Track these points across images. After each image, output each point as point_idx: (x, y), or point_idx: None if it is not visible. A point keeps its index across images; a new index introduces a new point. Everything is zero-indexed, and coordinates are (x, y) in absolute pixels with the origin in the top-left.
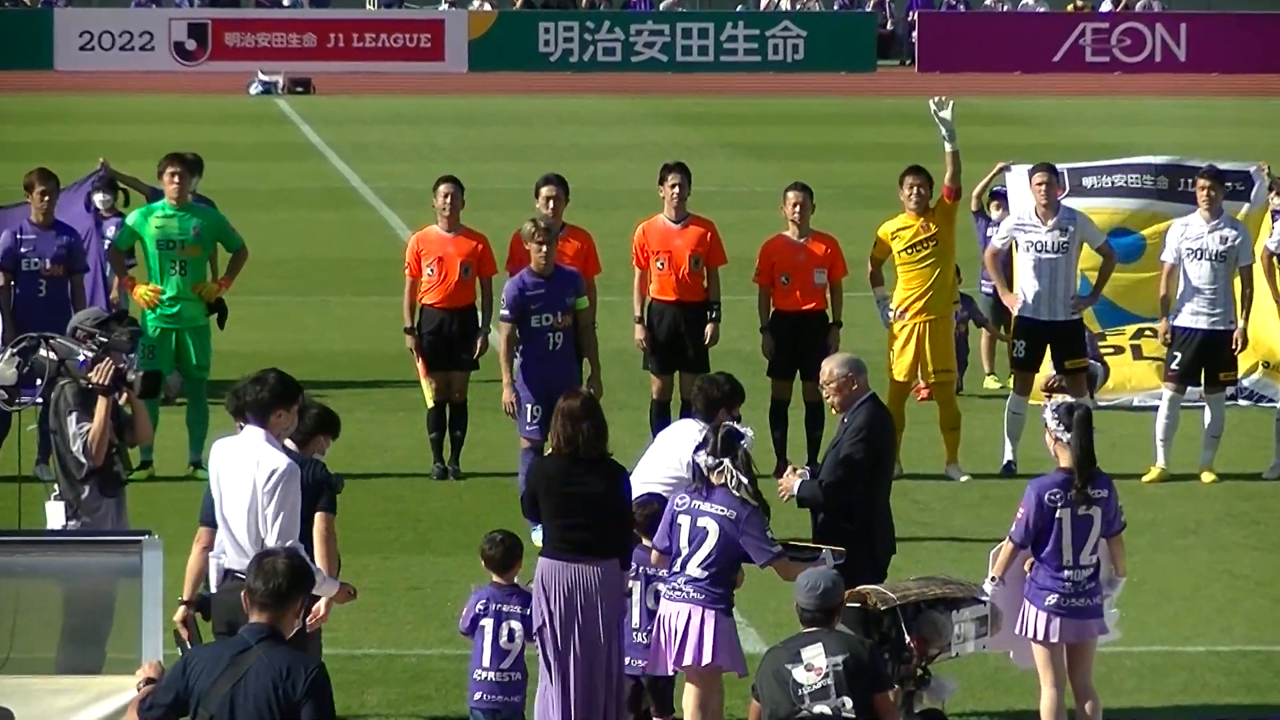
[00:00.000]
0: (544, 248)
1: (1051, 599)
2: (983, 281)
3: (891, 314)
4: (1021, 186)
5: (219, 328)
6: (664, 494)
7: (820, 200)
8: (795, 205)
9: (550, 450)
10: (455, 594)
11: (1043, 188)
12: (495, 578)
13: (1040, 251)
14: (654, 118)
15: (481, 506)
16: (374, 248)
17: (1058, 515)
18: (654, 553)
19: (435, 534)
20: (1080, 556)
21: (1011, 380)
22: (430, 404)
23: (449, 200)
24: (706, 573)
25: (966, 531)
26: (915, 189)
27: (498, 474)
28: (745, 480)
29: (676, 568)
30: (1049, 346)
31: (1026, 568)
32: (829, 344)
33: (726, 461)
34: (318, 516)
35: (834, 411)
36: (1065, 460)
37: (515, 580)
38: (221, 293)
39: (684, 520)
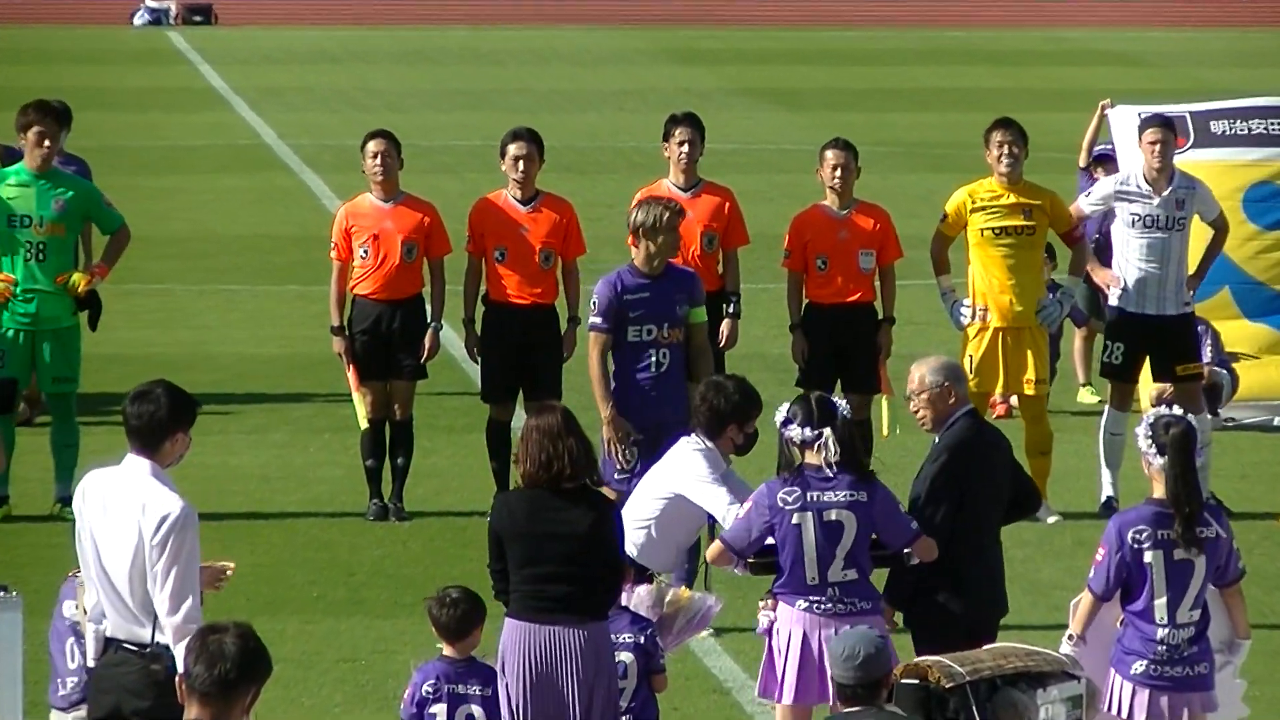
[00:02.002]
0: (659, 239)
1: (1139, 666)
2: None
3: (967, 312)
4: (1128, 133)
5: (90, 328)
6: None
7: (868, 162)
8: (836, 168)
9: (519, 481)
10: (397, 668)
11: (1156, 148)
12: (448, 649)
13: (1148, 228)
14: (655, 55)
15: (431, 555)
16: (292, 222)
17: (1147, 559)
18: (716, 549)
19: (372, 591)
20: (1178, 612)
21: (1109, 392)
22: (364, 424)
23: (381, 161)
24: (854, 573)
25: (1056, 586)
26: (1006, 147)
27: (452, 513)
28: (851, 449)
29: (810, 580)
30: (1153, 349)
31: (1117, 623)
32: (878, 345)
33: (827, 432)
34: None
35: (924, 430)
36: (1159, 489)
37: (474, 653)
38: (94, 284)
39: (803, 520)
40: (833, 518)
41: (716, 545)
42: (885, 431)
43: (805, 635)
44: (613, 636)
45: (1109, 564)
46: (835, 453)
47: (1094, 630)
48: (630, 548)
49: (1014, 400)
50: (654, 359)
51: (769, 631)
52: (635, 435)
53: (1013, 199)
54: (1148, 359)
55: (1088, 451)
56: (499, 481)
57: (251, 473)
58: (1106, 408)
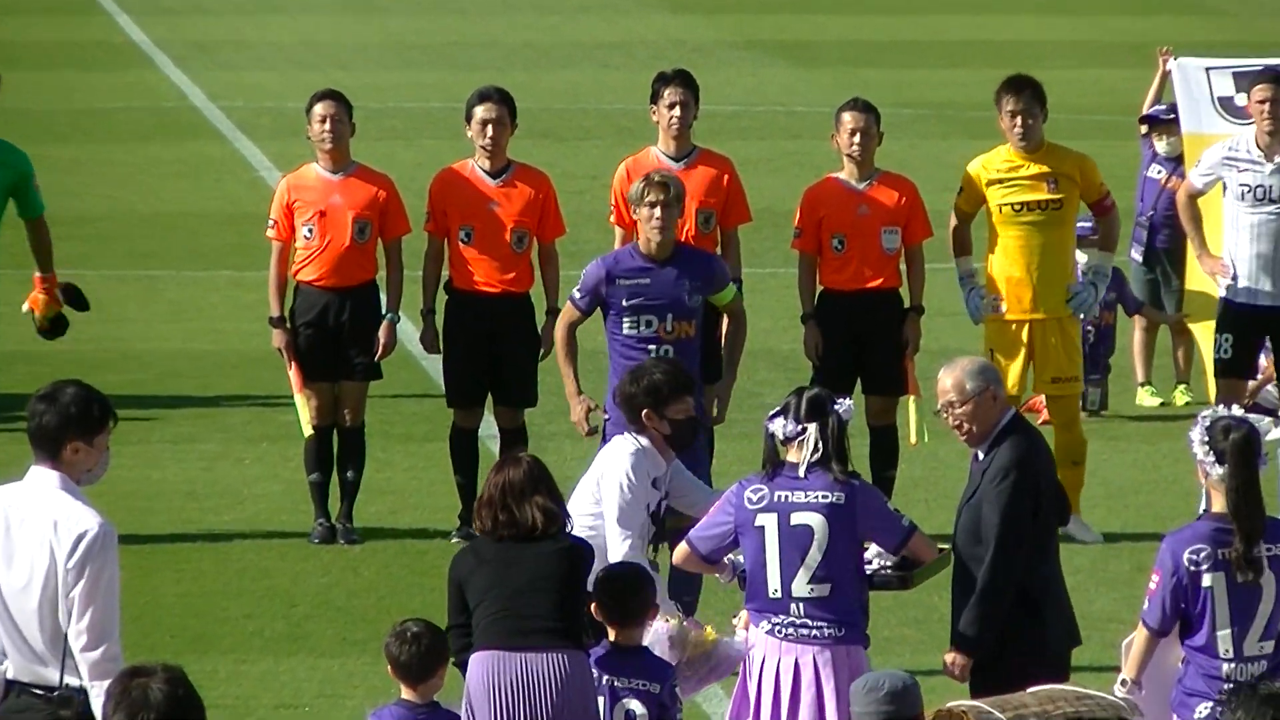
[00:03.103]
0: (665, 212)
1: (1204, 709)
2: (1133, 246)
3: (984, 301)
4: (1195, 89)
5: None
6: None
7: (892, 126)
8: (854, 133)
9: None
10: (346, 715)
11: (1265, 107)
12: (407, 692)
13: (1259, 201)
14: (644, 2)
15: (386, 584)
16: (225, 198)
17: (1205, 583)
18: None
19: (317, 624)
20: (1244, 644)
21: (1215, 391)
22: (308, 431)
23: (330, 126)
24: (825, 589)
25: (1112, 619)
26: (1018, 118)
27: (410, 534)
28: (833, 451)
29: (772, 595)
30: (1269, 341)
31: (1179, 663)
32: (904, 339)
33: (812, 428)
34: None
35: (964, 443)
36: (1219, 504)
37: (436, 696)
38: (53, 307)
39: (766, 523)
40: (800, 521)
41: (682, 547)
42: (913, 439)
43: (778, 665)
44: (622, 680)
45: (1163, 592)
46: (815, 451)
47: (1153, 672)
48: None
49: (1042, 398)
50: (655, 357)
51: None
52: (604, 413)
53: (1034, 169)
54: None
55: (1148, 463)
56: (464, 498)
57: (177, 488)
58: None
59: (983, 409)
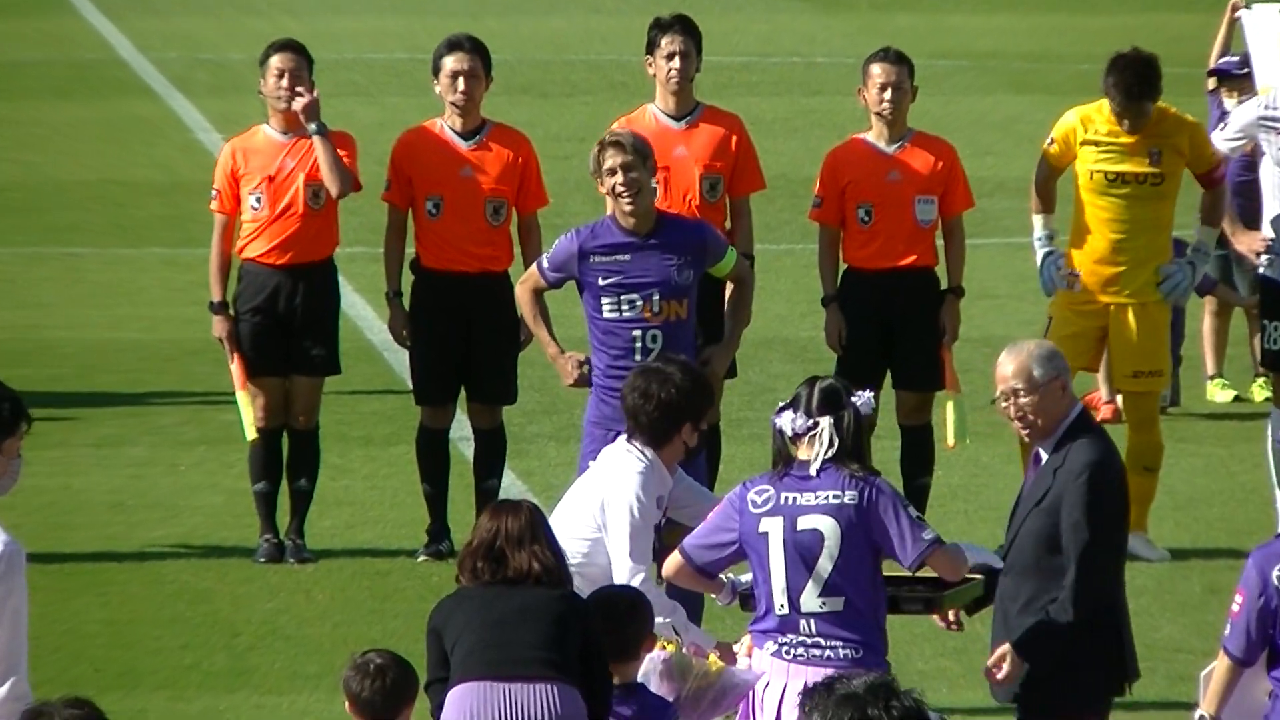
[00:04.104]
0: (629, 177)
1: None
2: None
3: (1060, 273)
4: (1267, 40)
5: None
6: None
7: (927, 80)
8: (885, 88)
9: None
10: None
11: None
12: None
13: None
14: None
15: (343, 610)
16: (157, 164)
17: None
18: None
19: (263, 657)
20: None
21: (1269, 387)
22: (253, 434)
23: (289, 82)
24: (837, 603)
25: (1181, 648)
26: (1125, 119)
27: (370, 552)
28: (850, 448)
29: (779, 611)
30: None
31: (1266, 696)
32: (941, 326)
33: (825, 421)
34: None
35: (1025, 437)
36: None
37: None
38: None
39: (771, 528)
40: (808, 525)
41: (674, 557)
42: (951, 440)
43: (784, 691)
44: None
45: (1248, 615)
46: (829, 447)
47: (1236, 708)
48: None
49: (1119, 400)
50: (639, 343)
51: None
52: (589, 365)
53: (1139, 138)
54: None
55: (1221, 468)
56: (433, 511)
57: (102, 499)
58: (1273, 409)
59: (1050, 400)
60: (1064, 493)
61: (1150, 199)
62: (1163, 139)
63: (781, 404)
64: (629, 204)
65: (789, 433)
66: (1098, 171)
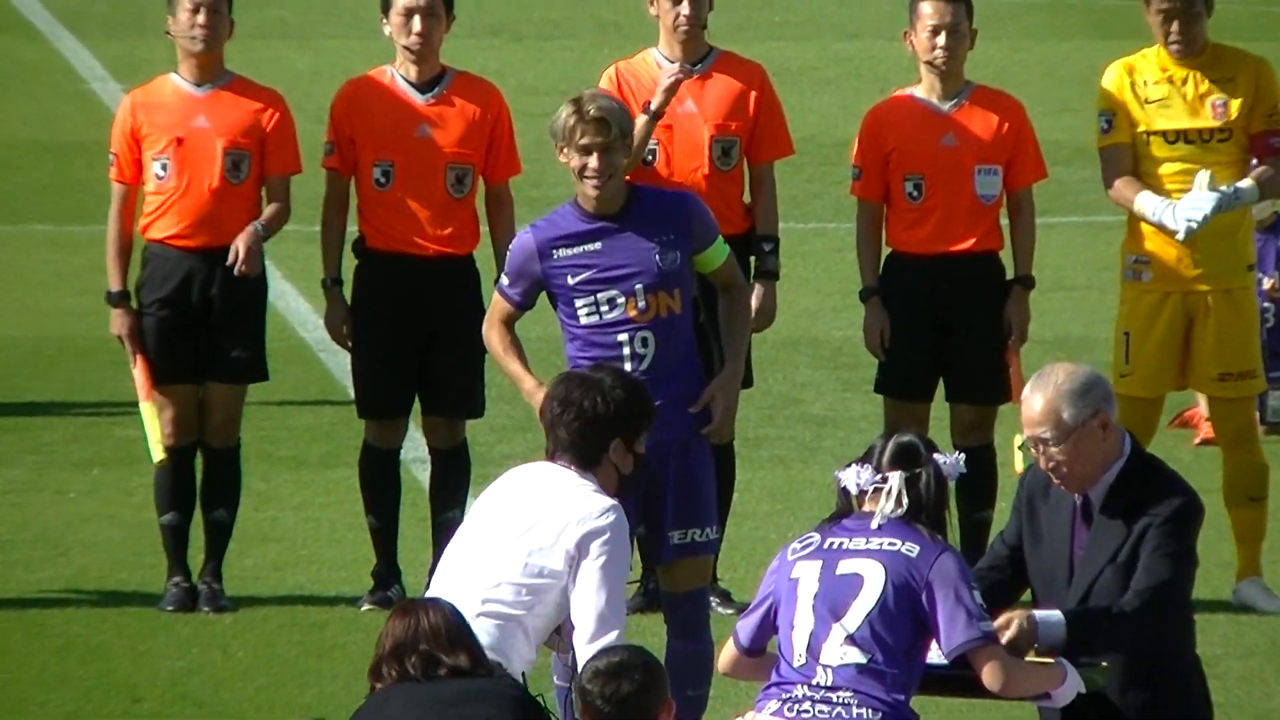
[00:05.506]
0: (605, 162)
1: None
2: None
3: (1127, 264)
4: None
5: None
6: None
7: (989, 23)
8: (937, 32)
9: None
10: None
11: None
12: None
13: None
14: None
15: (268, 668)
16: (43, 119)
17: None
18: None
19: None
20: None
21: None
22: (159, 454)
23: (204, 19)
24: (862, 656)
25: None
26: (1178, 22)
27: (301, 599)
28: (926, 508)
29: (795, 662)
30: None
31: None
32: (1006, 324)
33: (895, 477)
34: None
35: (1062, 488)
36: None
37: None
38: None
39: (804, 573)
40: (849, 570)
41: (728, 650)
42: (1018, 466)
43: None
44: None
45: None
46: (895, 505)
47: None
48: (481, 623)
49: (1202, 407)
50: (627, 348)
51: None
52: None
53: (1193, 83)
54: None
55: None
56: (380, 549)
57: None
58: None
59: (1089, 444)
60: (1154, 542)
61: (1219, 159)
62: (1223, 82)
63: (852, 460)
64: (595, 188)
65: (854, 490)
66: (1154, 133)
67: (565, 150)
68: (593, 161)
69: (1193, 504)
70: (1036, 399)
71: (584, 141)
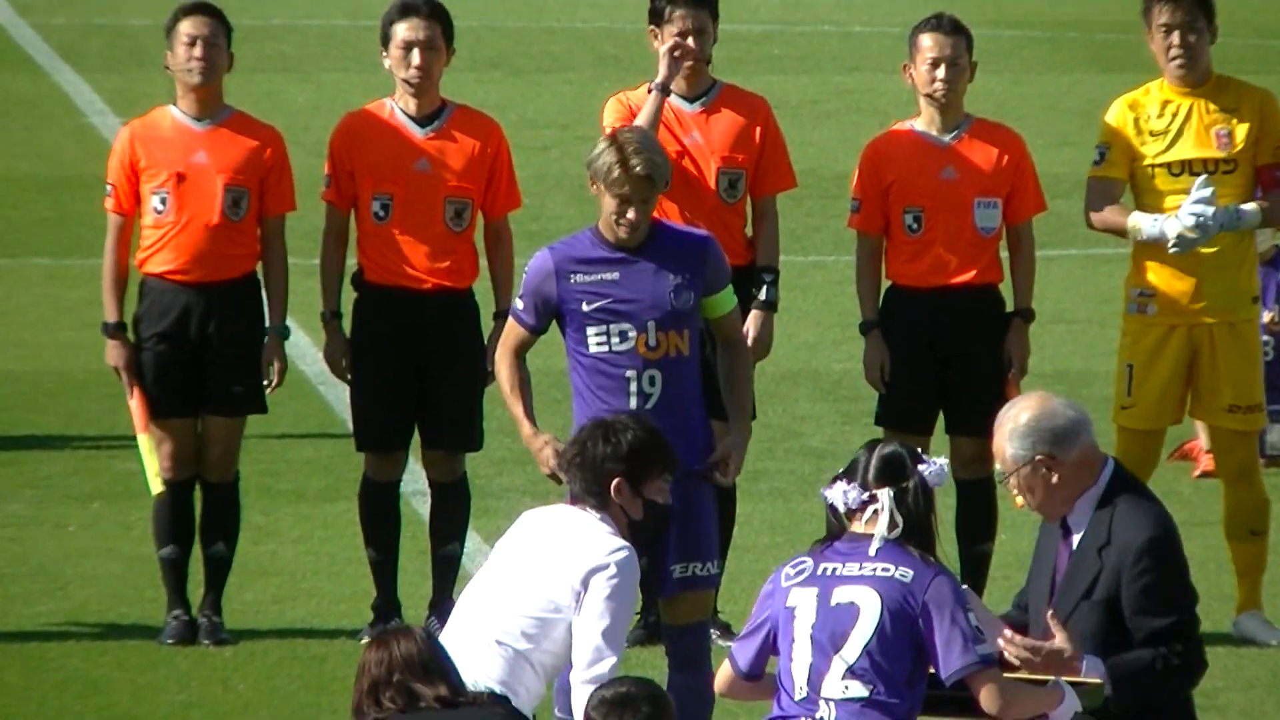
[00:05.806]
0: (631, 215)
1: None
2: None
3: (1130, 297)
4: None
5: None
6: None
7: (989, 56)
8: (937, 65)
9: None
10: None
11: None
12: None
13: None
14: None
15: (268, 703)
16: (41, 153)
17: None
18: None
19: None
20: None
21: None
22: (158, 487)
23: (203, 53)
24: (864, 690)
25: None
26: (1177, 33)
27: (301, 633)
28: (914, 524)
29: (797, 696)
30: None
31: None
32: (1006, 357)
33: (884, 495)
34: None
35: (1039, 514)
36: None
37: None
38: None
39: (800, 601)
40: (845, 598)
41: (725, 670)
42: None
43: None
44: None
45: None
46: (892, 526)
47: None
48: (492, 656)
49: (1202, 440)
50: (635, 385)
51: None
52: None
53: (1198, 114)
54: None
55: None
56: (380, 583)
57: None
58: None
59: (1035, 481)
60: (1127, 577)
61: (1224, 191)
62: (1228, 112)
63: (836, 474)
64: (626, 234)
65: (841, 508)
66: (1158, 166)
67: (600, 188)
68: (630, 214)
69: (1159, 538)
70: (997, 434)
71: (625, 192)
